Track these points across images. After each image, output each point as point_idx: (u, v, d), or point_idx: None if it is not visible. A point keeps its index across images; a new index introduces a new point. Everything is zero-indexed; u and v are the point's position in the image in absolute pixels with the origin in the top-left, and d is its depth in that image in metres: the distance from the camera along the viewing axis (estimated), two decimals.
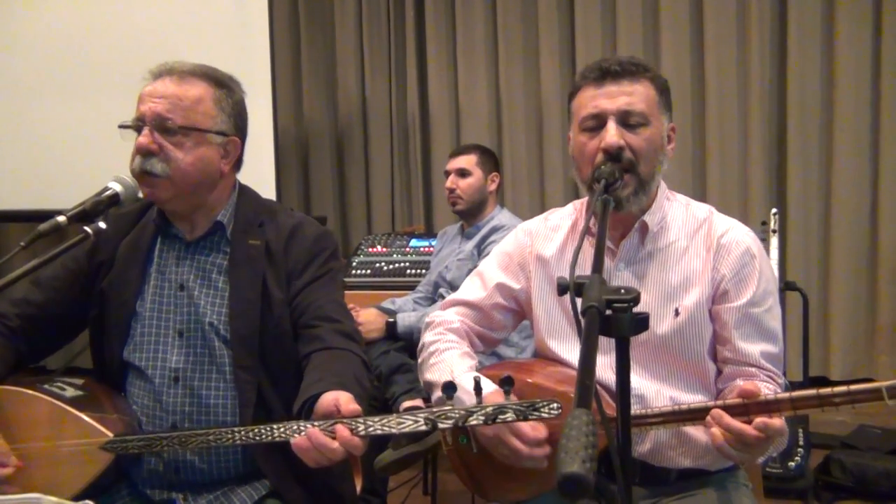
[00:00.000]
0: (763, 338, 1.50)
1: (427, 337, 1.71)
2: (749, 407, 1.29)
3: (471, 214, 3.05)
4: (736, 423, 1.27)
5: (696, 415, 1.35)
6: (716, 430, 1.29)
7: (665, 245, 1.55)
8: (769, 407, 1.28)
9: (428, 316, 1.79)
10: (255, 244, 1.58)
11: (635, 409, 1.46)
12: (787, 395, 1.29)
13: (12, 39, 4.24)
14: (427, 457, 2.76)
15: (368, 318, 2.74)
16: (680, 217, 1.58)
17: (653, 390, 1.51)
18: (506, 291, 1.70)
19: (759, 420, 1.25)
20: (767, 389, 1.45)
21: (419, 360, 1.72)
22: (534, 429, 1.41)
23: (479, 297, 1.72)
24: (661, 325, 1.51)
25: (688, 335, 1.51)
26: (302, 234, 1.61)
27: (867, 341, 4.17)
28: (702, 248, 1.54)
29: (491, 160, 3.12)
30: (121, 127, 1.54)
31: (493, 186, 3.08)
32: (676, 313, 1.50)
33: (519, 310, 1.72)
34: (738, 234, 1.53)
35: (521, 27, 4.55)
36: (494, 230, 2.91)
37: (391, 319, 2.74)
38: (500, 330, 1.75)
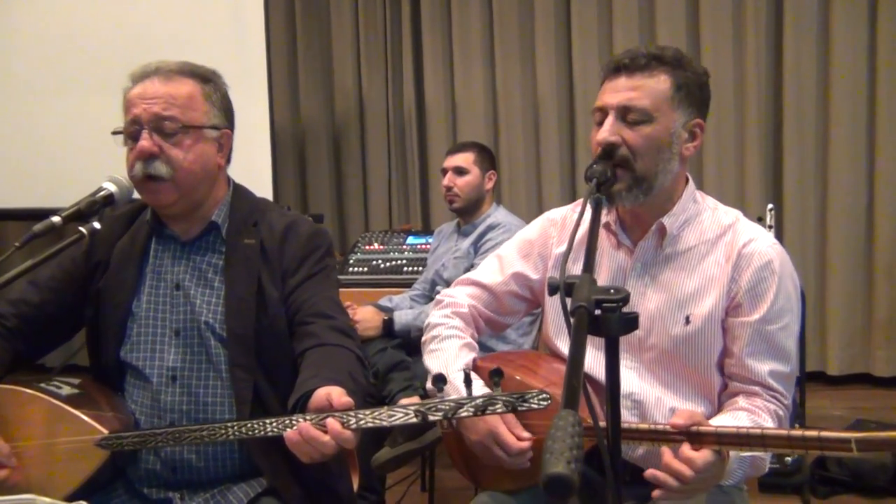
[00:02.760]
0: (773, 356, 1.45)
1: (434, 317, 1.71)
2: (721, 438, 1.25)
3: (467, 212, 3.05)
4: (675, 464, 1.24)
5: (672, 437, 1.31)
6: (657, 492, 1.26)
7: (685, 249, 1.51)
8: (740, 441, 1.24)
9: (440, 293, 1.79)
10: (250, 243, 1.58)
11: (630, 420, 1.46)
12: (758, 430, 1.25)
13: (10, 39, 4.23)
14: (425, 454, 2.77)
15: (365, 316, 2.74)
16: (704, 222, 1.53)
17: (653, 397, 1.50)
18: (522, 280, 1.69)
19: (686, 455, 1.23)
20: (763, 411, 1.42)
21: (423, 339, 1.72)
22: (519, 439, 1.41)
23: (495, 281, 1.70)
24: (671, 331, 1.48)
25: (696, 344, 1.48)
26: (296, 232, 1.61)
27: (864, 336, 4.18)
28: (721, 257, 1.49)
29: (488, 158, 3.11)
30: (115, 133, 1.54)
31: (489, 185, 3.07)
32: (687, 321, 1.47)
33: (532, 299, 1.71)
34: (760, 246, 1.47)
35: (517, 24, 4.54)
36: (491, 228, 2.92)
37: (388, 317, 2.75)
38: (510, 315, 1.74)
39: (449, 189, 3.04)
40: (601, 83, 1.52)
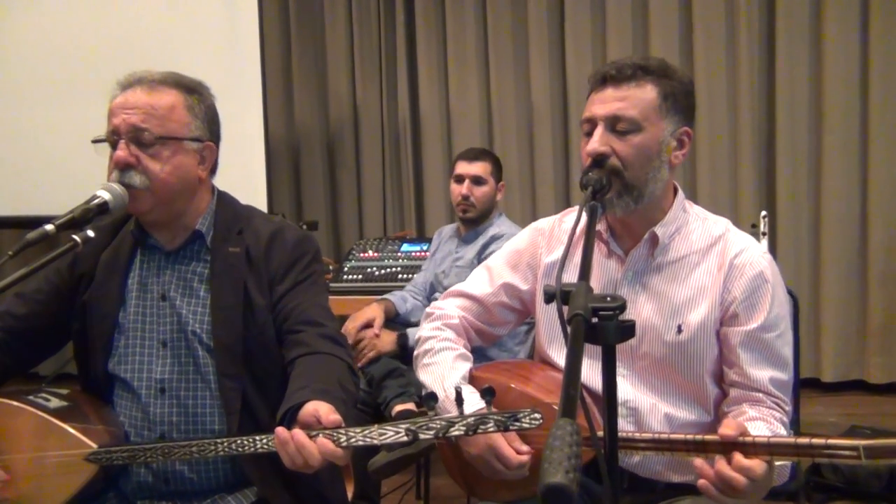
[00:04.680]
0: (772, 364, 1.46)
1: (424, 330, 1.70)
2: (726, 446, 1.25)
3: (476, 222, 2.99)
4: (727, 472, 1.22)
5: (682, 446, 1.31)
6: (703, 482, 1.24)
7: (676, 259, 1.52)
8: (745, 449, 1.24)
9: (429, 306, 1.77)
10: (235, 251, 1.57)
11: (629, 429, 1.46)
12: (764, 438, 1.24)
13: (5, 46, 4.23)
14: (420, 460, 2.76)
15: (385, 340, 2.69)
16: (694, 231, 1.54)
17: (648, 404, 1.50)
18: (512, 291, 1.68)
19: (739, 463, 1.21)
20: (772, 418, 1.43)
21: (415, 353, 1.71)
22: (519, 453, 1.41)
23: (485, 292, 1.70)
24: (663, 339, 1.49)
25: (689, 353, 1.48)
26: (282, 239, 1.60)
27: (858, 343, 4.19)
28: (713, 267, 1.50)
29: (500, 168, 3.07)
30: (94, 141, 1.53)
31: (499, 196, 3.03)
32: (679, 330, 1.48)
33: (523, 309, 1.71)
34: (751, 256, 1.49)
35: (512, 33, 4.56)
36: (494, 239, 2.88)
37: (401, 332, 2.73)
38: (501, 326, 1.74)
39: (466, 198, 2.93)
40: (588, 95, 1.53)
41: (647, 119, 1.45)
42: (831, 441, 1.18)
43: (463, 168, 2.99)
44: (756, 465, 1.21)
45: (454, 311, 1.71)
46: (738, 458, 1.22)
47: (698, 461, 1.26)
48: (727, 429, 1.26)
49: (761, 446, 1.23)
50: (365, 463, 2.38)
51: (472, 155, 3.04)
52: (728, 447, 1.25)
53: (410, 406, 2.46)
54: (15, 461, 1.49)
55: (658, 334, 1.49)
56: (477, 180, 2.95)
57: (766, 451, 1.23)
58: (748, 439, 1.25)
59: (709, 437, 1.28)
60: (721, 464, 1.23)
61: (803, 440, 1.21)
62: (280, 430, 1.25)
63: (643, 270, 1.53)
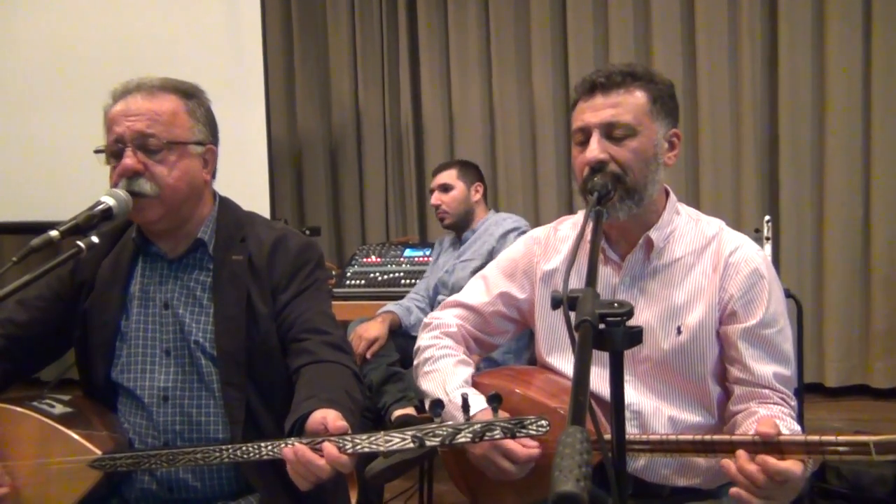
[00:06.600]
0: (775, 359, 1.46)
1: (423, 340, 1.70)
2: (735, 446, 1.25)
3: (460, 227, 3.11)
4: (752, 471, 1.21)
5: (690, 447, 1.31)
6: (738, 487, 1.23)
7: (671, 261, 1.53)
8: (756, 449, 1.23)
9: (427, 317, 1.78)
10: (238, 259, 1.56)
11: (633, 431, 1.46)
12: (774, 437, 1.23)
13: (7, 50, 4.24)
14: (423, 466, 2.75)
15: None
16: (688, 233, 1.55)
17: (651, 408, 1.50)
18: (508, 300, 1.69)
19: (775, 468, 1.20)
20: (782, 414, 1.42)
21: (414, 363, 1.71)
22: (525, 447, 1.40)
23: (481, 302, 1.71)
24: (664, 342, 1.49)
25: (689, 354, 1.49)
26: (285, 246, 1.59)
27: (861, 348, 4.18)
28: (709, 267, 1.51)
29: (471, 171, 3.18)
30: (97, 152, 1.52)
31: (477, 196, 3.14)
32: (679, 331, 1.49)
33: (520, 319, 1.71)
34: (746, 254, 1.50)
35: (514, 37, 4.57)
36: (510, 232, 2.94)
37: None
38: (499, 335, 1.75)
39: (437, 207, 3.13)
40: (574, 103, 1.54)
41: (641, 123, 1.47)
42: (842, 438, 1.18)
43: (432, 183, 3.20)
44: (793, 465, 1.20)
45: (452, 320, 1.72)
46: (773, 462, 1.21)
47: (725, 461, 1.25)
48: (764, 427, 1.24)
49: (772, 445, 1.23)
50: (365, 468, 2.38)
51: (437, 168, 3.27)
52: (736, 446, 1.25)
53: (410, 411, 2.47)
54: (19, 467, 1.48)
55: (658, 337, 1.50)
56: (444, 188, 3.13)
57: (777, 451, 1.23)
58: (757, 439, 1.25)
59: (718, 437, 1.28)
60: (748, 465, 1.22)
61: (813, 438, 1.21)
62: (286, 451, 1.25)
63: (640, 275, 1.54)
